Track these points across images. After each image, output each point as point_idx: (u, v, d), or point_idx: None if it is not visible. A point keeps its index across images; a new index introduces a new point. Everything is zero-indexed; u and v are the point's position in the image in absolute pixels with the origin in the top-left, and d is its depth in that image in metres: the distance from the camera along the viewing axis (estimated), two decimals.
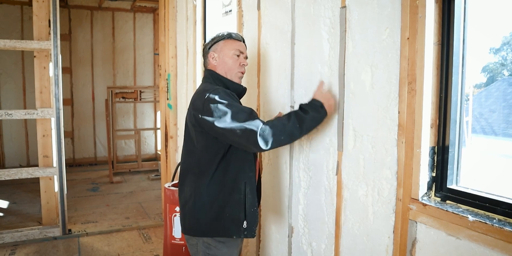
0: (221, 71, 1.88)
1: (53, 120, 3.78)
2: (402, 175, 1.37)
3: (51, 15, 3.66)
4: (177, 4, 3.86)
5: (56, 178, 3.84)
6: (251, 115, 1.65)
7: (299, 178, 1.97)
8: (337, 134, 1.67)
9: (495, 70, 2.47)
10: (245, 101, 2.49)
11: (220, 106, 1.65)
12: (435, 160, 1.34)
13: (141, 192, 5.59)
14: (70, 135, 7.27)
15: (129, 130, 7.17)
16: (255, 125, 1.59)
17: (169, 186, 2.51)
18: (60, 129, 3.80)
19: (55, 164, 3.84)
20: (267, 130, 1.58)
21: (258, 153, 2.33)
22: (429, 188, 1.35)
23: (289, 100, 2.01)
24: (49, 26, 3.68)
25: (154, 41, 7.57)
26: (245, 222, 1.80)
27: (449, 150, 1.31)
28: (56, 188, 3.87)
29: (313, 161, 1.86)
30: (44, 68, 3.77)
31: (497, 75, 2.55)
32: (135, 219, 4.42)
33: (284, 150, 2.08)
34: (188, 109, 1.84)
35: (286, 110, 2.04)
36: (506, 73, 2.59)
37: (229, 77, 1.87)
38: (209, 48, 1.91)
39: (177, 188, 2.24)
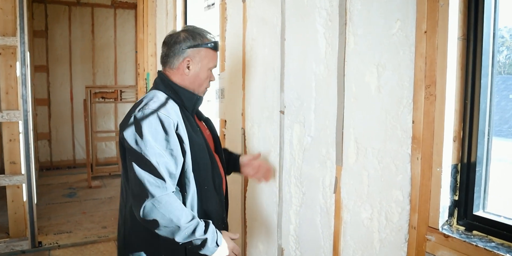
0: (183, 81, 1.56)
1: (21, 123, 3.47)
2: (417, 198, 1.13)
3: (18, 9, 3.34)
4: None
5: (24, 186, 3.53)
6: (164, 170, 1.36)
7: (290, 193, 1.72)
8: (336, 144, 1.43)
9: None
10: (229, 105, 2.23)
11: (138, 138, 1.37)
12: (458, 180, 1.11)
13: None
14: (47, 136, 6.91)
15: (110, 131, 6.84)
16: (153, 189, 1.32)
17: None
18: (28, 133, 3.49)
19: (23, 171, 3.53)
20: (157, 205, 1.32)
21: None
22: (450, 215, 1.11)
23: (278, 103, 1.75)
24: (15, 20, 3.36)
25: (136, 39, 7.24)
26: None
27: (476, 168, 1.07)
28: (25, 198, 3.56)
29: (307, 175, 1.61)
30: (11, 66, 3.45)
31: None
32: (112, 228, 4.13)
33: (273, 159, 1.82)
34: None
35: (275, 115, 1.78)
36: None
37: (195, 92, 1.59)
38: (186, 49, 1.55)
39: None
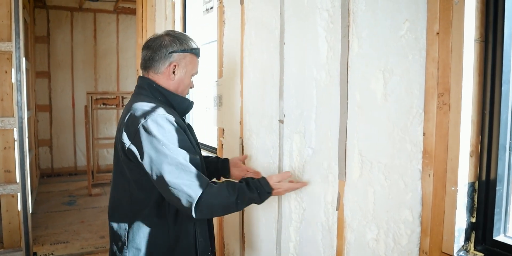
0: (169, 86, 1.52)
1: (16, 130, 3.37)
2: (429, 220, 1.01)
3: (13, 13, 3.26)
4: (156, 2, 3.49)
5: (19, 195, 3.43)
6: (194, 167, 1.35)
7: (289, 209, 1.60)
8: (339, 158, 1.31)
9: None
10: (226, 113, 2.12)
11: (157, 143, 1.33)
12: (475, 200, 0.98)
13: None
14: (48, 143, 6.83)
15: (111, 138, 6.74)
16: (195, 190, 1.30)
17: None
18: (23, 141, 3.39)
19: (18, 179, 3.43)
20: (206, 200, 1.31)
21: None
22: (467, 239, 0.98)
23: (278, 112, 1.64)
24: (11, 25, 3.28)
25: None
26: None
27: (496, 187, 0.95)
28: (20, 207, 3.45)
29: (307, 190, 1.48)
30: (6, 72, 3.37)
31: None
32: None
33: (272, 171, 1.70)
34: (118, 129, 1.46)
35: (274, 124, 1.67)
36: None
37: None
38: (171, 53, 1.49)
39: None
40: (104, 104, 6.04)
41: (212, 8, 2.54)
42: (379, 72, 1.13)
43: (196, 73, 1.59)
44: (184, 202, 1.30)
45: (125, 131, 1.39)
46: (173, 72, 1.51)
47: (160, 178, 1.31)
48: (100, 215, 4.78)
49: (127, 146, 1.37)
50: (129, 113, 1.41)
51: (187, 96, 1.66)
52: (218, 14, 2.17)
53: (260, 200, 1.41)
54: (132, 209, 1.46)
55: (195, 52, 1.56)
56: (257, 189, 1.39)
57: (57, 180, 6.58)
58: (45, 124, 6.78)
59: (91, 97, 5.87)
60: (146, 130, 1.34)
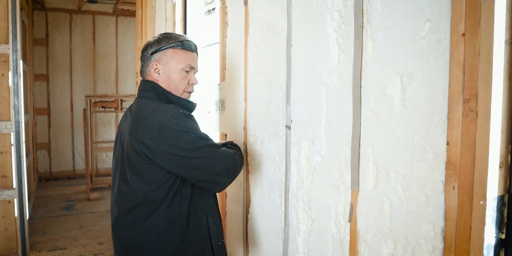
0: (165, 86, 1.51)
1: (13, 135, 3.29)
2: (454, 236, 0.93)
3: (10, 15, 3.19)
4: (156, 3, 3.42)
5: (16, 201, 3.35)
6: (218, 145, 1.50)
7: (297, 219, 1.52)
8: (351, 167, 1.23)
9: None
10: (229, 118, 2.05)
11: (185, 135, 1.36)
12: (504, 215, 0.90)
13: None
14: (46, 147, 6.75)
15: (110, 142, 6.66)
16: (234, 159, 1.51)
17: None
18: (20, 145, 3.32)
19: (15, 185, 3.35)
20: (238, 163, 1.53)
21: (246, 184, 1.89)
22: None
23: (284, 117, 1.56)
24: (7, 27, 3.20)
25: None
26: None
27: None
28: (16, 213, 3.37)
29: (317, 200, 1.41)
30: (3, 75, 3.29)
31: None
32: (109, 244, 3.93)
33: (278, 180, 1.63)
34: (128, 133, 1.43)
35: (280, 130, 1.59)
36: None
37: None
38: (152, 54, 1.50)
39: None
40: (103, 107, 5.97)
41: (214, 9, 2.47)
42: (397, 76, 1.05)
43: (187, 66, 1.53)
44: (230, 173, 1.48)
45: (144, 133, 1.37)
46: (155, 71, 1.49)
47: (205, 164, 1.39)
48: (98, 220, 4.70)
49: (154, 147, 1.35)
50: (141, 116, 1.41)
51: (191, 98, 1.64)
52: (221, 15, 2.09)
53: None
54: (145, 213, 1.43)
55: (177, 45, 1.50)
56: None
57: (55, 184, 6.50)
58: (44, 128, 6.70)
59: (90, 100, 5.80)
60: (172, 127, 1.35)
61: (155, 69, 1.50)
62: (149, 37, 3.41)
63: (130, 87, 7.09)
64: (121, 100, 6.00)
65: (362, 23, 1.15)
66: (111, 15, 6.94)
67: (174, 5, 2.91)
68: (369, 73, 1.14)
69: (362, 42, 1.15)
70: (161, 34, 1.57)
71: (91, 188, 5.85)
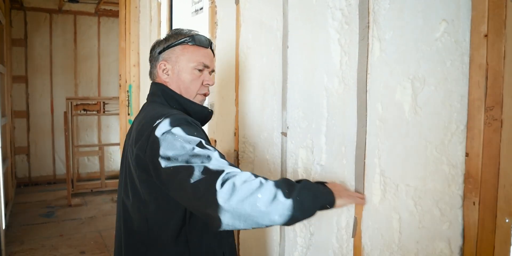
0: (175, 89, 1.33)
1: None
2: None
3: None
4: (140, 3, 3.30)
5: None
6: (228, 163, 1.06)
7: (294, 232, 1.43)
8: (355, 177, 1.14)
9: None
10: (219, 123, 1.94)
11: (175, 141, 1.06)
12: None
13: (102, 217, 4.92)
14: (25, 151, 6.51)
15: (92, 145, 6.46)
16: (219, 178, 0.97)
17: None
18: None
19: None
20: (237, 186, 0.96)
21: None
22: None
23: (280, 123, 1.47)
24: None
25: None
26: None
27: None
28: None
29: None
30: None
31: None
32: (91, 253, 3.77)
33: None
34: (129, 144, 1.24)
35: (276, 137, 1.50)
36: None
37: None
38: (160, 53, 1.34)
39: None
40: (84, 110, 5.79)
41: (201, 9, 2.37)
42: (407, 80, 0.97)
43: (200, 64, 1.32)
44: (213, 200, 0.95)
45: (136, 142, 1.15)
46: (164, 72, 1.33)
47: (187, 183, 0.99)
48: (80, 227, 4.53)
49: (143, 156, 1.12)
50: (141, 125, 1.18)
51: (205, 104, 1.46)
52: (210, 15, 2.00)
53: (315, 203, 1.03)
54: (150, 239, 1.21)
55: (186, 40, 1.32)
56: (313, 189, 1.04)
57: (34, 190, 6.26)
58: (22, 131, 6.46)
59: (71, 102, 5.61)
60: (162, 131, 1.09)
61: (164, 69, 1.33)
62: (133, 38, 3.28)
63: (112, 90, 6.90)
64: (103, 102, 5.83)
65: (368, 23, 1.07)
66: (93, 15, 6.76)
67: (159, 5, 2.80)
68: (375, 77, 1.05)
69: (368, 43, 1.07)
70: (171, 30, 1.41)
71: (73, 193, 5.65)
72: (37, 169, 6.60)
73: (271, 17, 1.48)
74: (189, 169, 0.99)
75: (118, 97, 6.03)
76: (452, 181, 0.89)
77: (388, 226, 1.05)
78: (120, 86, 3.62)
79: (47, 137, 6.62)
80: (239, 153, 1.77)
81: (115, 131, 6.88)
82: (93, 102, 5.76)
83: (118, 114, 6.15)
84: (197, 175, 0.98)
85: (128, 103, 3.40)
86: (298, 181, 1.08)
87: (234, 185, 0.94)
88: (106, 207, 5.37)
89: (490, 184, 0.81)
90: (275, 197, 0.96)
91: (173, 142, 1.06)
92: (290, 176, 1.42)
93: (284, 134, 1.45)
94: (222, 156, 1.08)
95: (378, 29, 1.04)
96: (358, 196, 1.11)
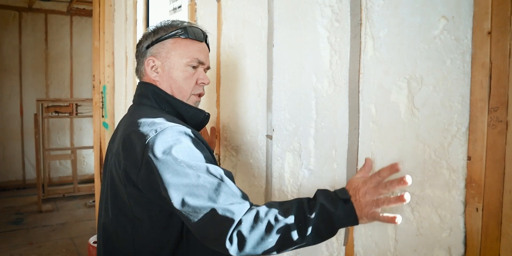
0: (166, 88, 1.20)
1: None
2: None
3: None
4: (114, 1, 3.18)
5: None
6: (233, 189, 0.95)
7: None
8: (347, 182, 1.09)
9: None
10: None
11: (176, 166, 0.93)
12: None
13: (75, 223, 4.74)
14: None
15: (64, 149, 6.25)
16: (237, 211, 0.89)
17: (94, 242, 1.82)
18: None
19: None
20: (248, 230, 0.88)
21: None
22: None
23: (265, 126, 1.41)
24: None
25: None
26: None
27: None
28: None
29: None
30: None
31: None
32: None
33: (255, 196, 1.47)
34: (114, 153, 1.10)
35: (260, 140, 1.43)
36: None
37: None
38: (147, 48, 1.20)
39: None
40: (56, 112, 5.61)
41: (180, 7, 2.28)
42: (403, 80, 0.92)
43: (194, 60, 1.20)
44: (218, 232, 0.88)
45: (125, 154, 1.03)
46: (153, 69, 1.19)
47: (188, 207, 0.90)
48: (51, 234, 4.35)
49: (134, 174, 1.00)
50: (128, 131, 1.04)
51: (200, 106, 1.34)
52: (189, 13, 1.92)
53: (332, 220, 0.89)
54: None
55: (178, 33, 1.18)
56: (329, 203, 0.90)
57: (2, 195, 6.01)
58: None
59: (42, 104, 5.42)
60: (158, 150, 0.96)
61: (152, 66, 1.18)
62: (108, 37, 3.16)
63: (86, 91, 6.71)
64: (76, 104, 5.66)
65: (361, 20, 1.01)
66: (65, 14, 6.55)
67: (135, 3, 2.70)
68: (368, 77, 1.00)
69: (360, 42, 1.02)
70: (161, 21, 1.25)
71: (44, 199, 5.44)
72: (5, 174, 6.35)
73: (255, 14, 1.42)
74: (196, 209, 0.90)
75: (92, 99, 5.86)
76: (452, 186, 0.84)
77: (383, 233, 1.00)
78: (93, 87, 3.48)
79: (16, 140, 6.38)
80: (220, 157, 1.69)
81: (88, 133, 6.68)
82: (65, 104, 5.58)
83: (91, 116, 5.97)
84: (204, 219, 0.89)
85: (102, 105, 3.27)
86: (315, 197, 0.94)
87: (243, 236, 0.87)
88: (79, 212, 5.19)
89: (495, 189, 0.77)
90: (288, 238, 0.89)
91: (175, 167, 0.93)
92: (276, 181, 1.36)
93: (269, 137, 1.38)
94: (227, 174, 0.99)
95: (372, 27, 0.99)
96: (385, 217, 0.86)
